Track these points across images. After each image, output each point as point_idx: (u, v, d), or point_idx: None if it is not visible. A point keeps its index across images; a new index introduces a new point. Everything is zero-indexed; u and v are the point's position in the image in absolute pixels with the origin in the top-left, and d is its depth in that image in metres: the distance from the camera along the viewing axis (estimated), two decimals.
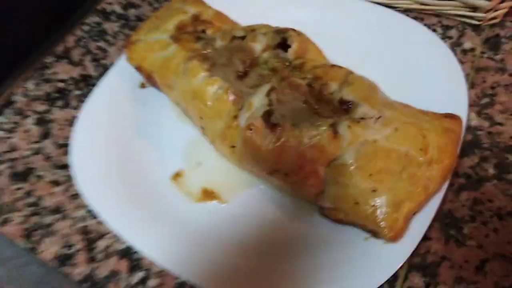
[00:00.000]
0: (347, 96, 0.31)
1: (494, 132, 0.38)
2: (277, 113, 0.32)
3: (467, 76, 0.41)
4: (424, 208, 0.32)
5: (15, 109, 0.47)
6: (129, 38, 0.43)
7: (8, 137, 0.45)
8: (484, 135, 0.38)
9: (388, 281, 0.32)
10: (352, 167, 0.30)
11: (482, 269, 0.32)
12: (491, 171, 0.36)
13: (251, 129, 0.31)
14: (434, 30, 0.45)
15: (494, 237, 0.33)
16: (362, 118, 0.30)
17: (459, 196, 0.35)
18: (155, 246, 0.34)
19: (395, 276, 0.33)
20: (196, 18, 0.40)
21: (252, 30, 0.36)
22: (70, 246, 0.38)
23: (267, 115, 0.32)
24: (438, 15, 0.45)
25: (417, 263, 0.33)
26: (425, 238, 0.34)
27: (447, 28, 0.45)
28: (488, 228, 0.33)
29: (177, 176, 0.40)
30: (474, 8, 0.43)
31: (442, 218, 0.34)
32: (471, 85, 0.41)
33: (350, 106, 0.31)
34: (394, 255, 0.31)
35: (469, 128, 0.38)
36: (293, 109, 0.32)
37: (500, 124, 0.38)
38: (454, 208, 0.35)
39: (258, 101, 0.33)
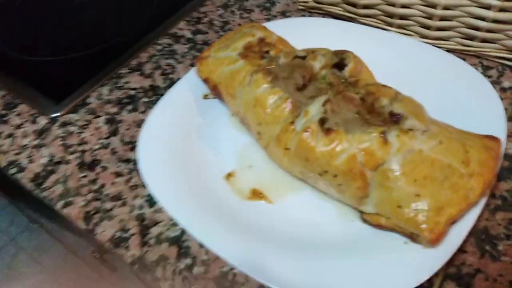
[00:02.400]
0: (397, 110, 0.35)
1: None
2: (331, 121, 0.36)
3: (505, 110, 0.44)
4: (462, 221, 0.34)
5: (89, 109, 0.53)
6: (201, 53, 0.49)
7: (80, 132, 0.51)
8: None
9: (423, 287, 0.34)
10: (398, 172, 0.34)
11: None
12: None
13: (307, 131, 0.36)
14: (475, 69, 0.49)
15: None
16: (410, 129, 0.34)
17: (495, 215, 0.37)
18: (206, 233, 0.37)
19: (430, 283, 0.35)
20: (262, 40, 0.46)
21: (312, 52, 0.41)
22: (125, 230, 0.42)
23: (322, 122, 0.36)
24: (479, 56, 0.50)
25: (452, 273, 0.35)
26: (461, 250, 0.36)
27: (487, 68, 0.49)
28: None
29: (229, 175, 0.44)
30: None
31: (478, 234, 0.36)
32: (510, 118, 0.44)
33: (399, 118, 0.35)
34: (431, 261, 0.33)
35: (506, 156, 0.41)
36: (346, 118, 0.36)
37: None
38: (489, 225, 0.37)
39: (315, 109, 0.37)
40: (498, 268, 0.34)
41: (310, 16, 0.60)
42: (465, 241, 0.35)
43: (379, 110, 0.36)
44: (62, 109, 0.54)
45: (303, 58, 0.41)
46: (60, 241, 1.27)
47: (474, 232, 0.36)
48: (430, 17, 0.48)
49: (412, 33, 0.51)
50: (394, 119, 0.35)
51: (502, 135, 0.38)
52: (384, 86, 0.38)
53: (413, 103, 0.36)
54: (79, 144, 0.50)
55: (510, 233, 0.36)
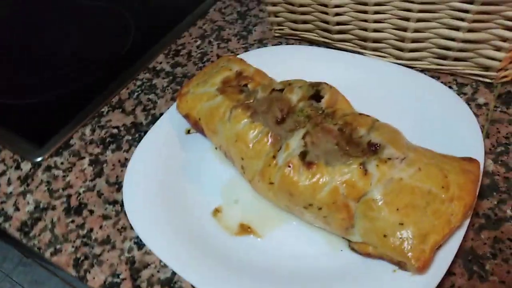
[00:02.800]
0: (375, 139, 0.36)
1: (510, 177, 0.41)
2: (311, 154, 0.37)
3: (482, 127, 0.45)
4: (448, 244, 0.35)
5: (73, 151, 0.53)
6: (180, 90, 0.49)
7: (65, 176, 0.51)
8: (500, 179, 0.41)
9: None
10: (380, 202, 0.34)
11: None
12: (509, 212, 0.39)
13: (289, 166, 0.36)
14: (449, 87, 0.50)
15: None
16: (389, 159, 0.35)
17: (480, 234, 0.38)
18: (197, 273, 0.37)
19: None
20: (239, 74, 0.46)
21: (289, 84, 0.42)
22: (116, 275, 0.41)
23: (303, 155, 0.36)
24: (453, 74, 0.51)
25: None
26: (450, 273, 0.36)
27: (461, 85, 0.50)
28: (509, 265, 0.36)
29: (216, 211, 0.44)
30: (487, 68, 0.48)
31: (465, 255, 0.37)
32: (486, 135, 0.45)
33: (377, 147, 0.35)
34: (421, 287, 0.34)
35: (486, 173, 0.42)
36: (326, 150, 0.37)
37: None
38: (475, 245, 0.37)
39: (295, 143, 0.37)
40: None
41: (286, 42, 0.61)
42: (453, 263, 0.35)
43: (357, 141, 0.36)
44: (45, 153, 0.53)
45: (281, 91, 0.42)
46: (56, 275, 1.25)
47: (461, 253, 0.37)
48: (402, 40, 0.49)
49: (386, 55, 0.52)
50: (373, 149, 0.35)
51: (480, 154, 0.39)
52: (361, 115, 0.39)
53: (390, 131, 0.37)
54: (64, 188, 0.49)
55: (496, 251, 0.37)
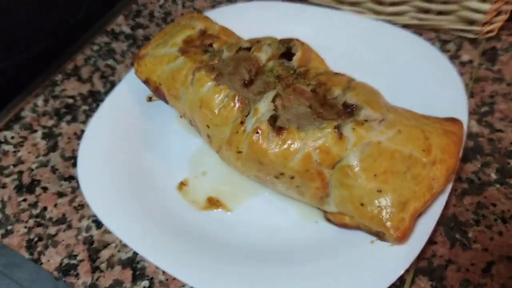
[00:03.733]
0: (350, 100, 0.32)
1: (494, 138, 0.39)
2: (282, 118, 0.33)
3: (466, 86, 0.42)
4: (429, 212, 0.32)
5: (24, 124, 0.48)
6: (137, 52, 0.44)
7: (16, 151, 0.46)
8: (485, 141, 0.38)
9: (394, 285, 0.32)
10: (357, 168, 0.31)
11: (489, 271, 0.32)
12: (493, 175, 0.36)
13: (257, 133, 0.32)
14: (432, 44, 0.46)
15: (499, 240, 0.33)
16: (365, 120, 0.31)
17: (462, 200, 0.35)
18: (160, 254, 0.34)
19: (401, 280, 0.33)
20: (203, 33, 0.41)
21: (257, 42, 0.38)
22: (73, 256, 0.38)
23: (273, 120, 0.33)
24: (436, 30, 0.47)
25: (423, 267, 0.33)
26: (431, 242, 0.34)
27: (445, 42, 0.47)
28: (493, 231, 0.34)
29: (182, 185, 0.40)
30: (471, 22, 0.45)
31: (447, 222, 0.35)
32: (471, 95, 0.42)
33: (353, 109, 0.32)
34: (400, 258, 0.31)
35: (470, 135, 0.39)
36: (298, 113, 0.33)
37: (500, 130, 0.39)
38: (458, 212, 0.35)
39: (264, 106, 0.34)
40: (469, 257, 0.33)
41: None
42: (434, 231, 0.33)
43: (332, 102, 0.33)
44: None
45: (248, 49, 0.38)
46: None
47: (443, 221, 0.35)
48: None
49: (365, 10, 0.48)
50: (348, 111, 0.32)
51: (463, 115, 0.36)
52: (335, 74, 0.35)
53: (367, 90, 0.33)
54: (16, 165, 0.45)
55: (479, 218, 0.34)
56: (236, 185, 0.39)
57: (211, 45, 0.41)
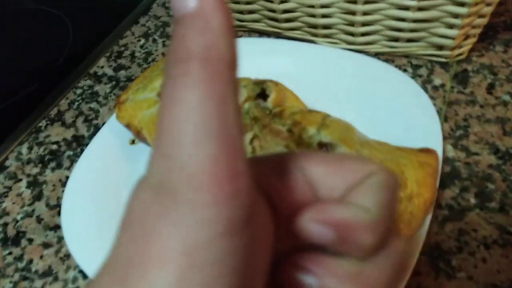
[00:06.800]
0: (325, 139, 0.33)
1: (471, 162, 0.39)
2: None
3: (439, 110, 0.43)
4: (411, 243, 0.33)
5: (8, 174, 0.48)
6: (118, 98, 0.45)
7: (0, 202, 0.46)
8: (462, 165, 0.39)
9: None
10: None
11: None
12: (473, 200, 0.37)
13: None
14: (404, 70, 0.48)
15: (483, 267, 0.33)
16: None
17: (444, 227, 0.36)
18: None
19: None
20: None
21: None
22: None
23: None
24: (407, 56, 0.49)
25: None
26: (415, 273, 0.34)
27: (416, 67, 0.48)
28: (476, 259, 0.34)
29: None
30: (440, 47, 0.46)
31: (430, 251, 0.35)
32: (445, 119, 0.43)
33: (328, 148, 0.33)
34: None
35: (446, 160, 0.40)
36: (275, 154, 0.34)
37: (476, 154, 0.40)
38: (440, 240, 0.35)
39: None
40: (455, 287, 0.33)
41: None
42: (418, 261, 0.33)
43: (307, 141, 0.34)
44: None
45: None
46: None
47: (426, 250, 0.35)
48: (352, 24, 0.46)
49: (338, 41, 0.49)
50: (324, 150, 0.33)
51: (438, 142, 0.37)
52: (310, 112, 0.36)
53: (341, 127, 0.34)
54: (0, 216, 0.45)
55: (462, 245, 0.35)
56: None
57: None
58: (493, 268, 0.33)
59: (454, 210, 0.37)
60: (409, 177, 0.32)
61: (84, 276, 0.39)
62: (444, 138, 0.40)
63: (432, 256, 0.35)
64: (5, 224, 0.44)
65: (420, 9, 0.42)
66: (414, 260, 0.31)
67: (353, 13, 0.45)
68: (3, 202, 0.46)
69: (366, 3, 0.43)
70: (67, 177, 0.46)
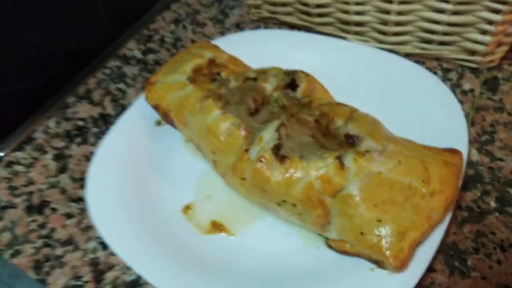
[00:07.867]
0: (352, 131, 0.33)
1: (494, 167, 0.39)
2: (286, 147, 0.34)
3: (467, 115, 0.43)
4: (428, 240, 0.33)
5: (35, 145, 0.50)
6: (148, 79, 0.46)
7: (27, 172, 0.47)
8: (485, 170, 0.39)
9: None
10: (358, 198, 0.32)
11: None
12: (493, 204, 0.37)
13: (261, 161, 0.33)
14: (434, 73, 0.48)
15: (498, 268, 0.33)
16: (366, 151, 0.32)
17: (462, 228, 0.36)
18: (163, 277, 0.35)
19: None
20: (212, 62, 0.43)
21: (263, 72, 0.39)
22: (79, 278, 0.39)
23: (277, 148, 0.34)
24: (438, 59, 0.48)
25: None
26: (430, 269, 0.34)
27: (447, 71, 0.48)
28: (492, 260, 0.34)
29: (187, 208, 0.41)
30: (472, 52, 0.46)
31: (446, 250, 0.35)
32: (471, 123, 0.43)
33: (355, 140, 0.33)
34: (400, 286, 0.32)
35: (470, 164, 0.40)
36: (301, 143, 0.34)
37: (500, 159, 0.40)
38: (458, 240, 0.35)
39: (268, 135, 0.35)
40: (468, 285, 0.33)
41: (265, 26, 0.58)
42: (434, 259, 0.33)
43: (334, 132, 0.34)
44: (6, 148, 0.50)
45: (254, 79, 0.39)
46: None
47: (442, 248, 0.35)
48: (385, 23, 0.47)
49: (369, 39, 0.50)
50: (350, 142, 0.33)
51: (463, 145, 0.37)
52: (338, 104, 0.36)
53: (368, 121, 0.34)
54: (26, 185, 0.46)
55: (478, 246, 0.35)
56: (240, 209, 0.40)
57: (219, 73, 0.42)
58: (507, 270, 0.33)
59: (474, 212, 0.37)
60: (433, 174, 0.32)
61: (104, 247, 0.40)
62: (470, 142, 0.40)
63: (448, 254, 0.35)
64: (30, 193, 0.45)
65: (456, 13, 0.42)
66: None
67: (387, 12, 0.45)
68: (29, 172, 0.47)
69: (401, 3, 0.43)
70: (92, 153, 0.48)
